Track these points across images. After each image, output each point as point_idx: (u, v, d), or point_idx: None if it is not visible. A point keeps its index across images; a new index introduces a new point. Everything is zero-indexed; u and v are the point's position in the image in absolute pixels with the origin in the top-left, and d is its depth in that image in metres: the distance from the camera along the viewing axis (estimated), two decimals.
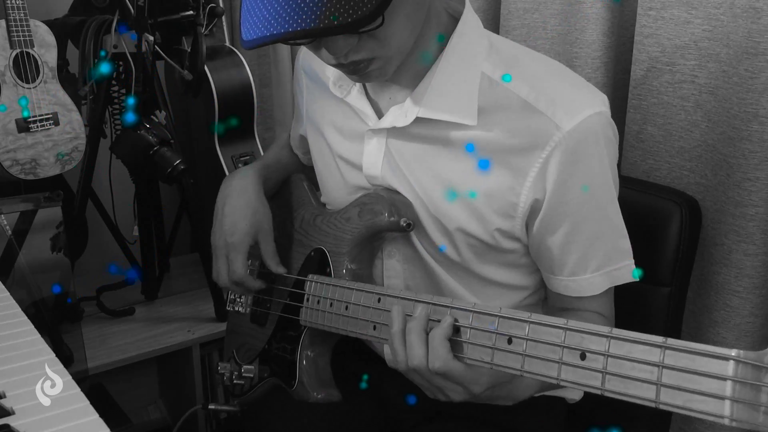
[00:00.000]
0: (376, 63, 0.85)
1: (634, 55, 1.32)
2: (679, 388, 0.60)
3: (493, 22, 1.63)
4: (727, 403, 0.57)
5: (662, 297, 1.14)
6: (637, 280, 0.95)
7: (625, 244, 0.95)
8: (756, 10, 1.11)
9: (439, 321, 0.80)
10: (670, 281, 1.13)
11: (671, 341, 0.61)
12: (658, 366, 0.61)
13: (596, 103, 0.87)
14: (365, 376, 1.02)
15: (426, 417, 1.10)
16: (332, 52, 0.82)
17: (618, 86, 1.44)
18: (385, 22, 0.78)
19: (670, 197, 1.16)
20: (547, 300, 1.04)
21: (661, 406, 0.61)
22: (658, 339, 0.62)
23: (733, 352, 0.57)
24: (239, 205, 1.09)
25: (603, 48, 1.38)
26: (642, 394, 0.63)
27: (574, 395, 1.10)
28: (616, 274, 0.94)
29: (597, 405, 1.08)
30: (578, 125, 0.85)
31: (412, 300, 0.85)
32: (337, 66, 0.87)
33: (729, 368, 0.57)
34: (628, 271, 0.95)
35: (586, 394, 1.10)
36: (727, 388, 0.57)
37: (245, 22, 0.79)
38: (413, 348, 0.80)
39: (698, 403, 0.59)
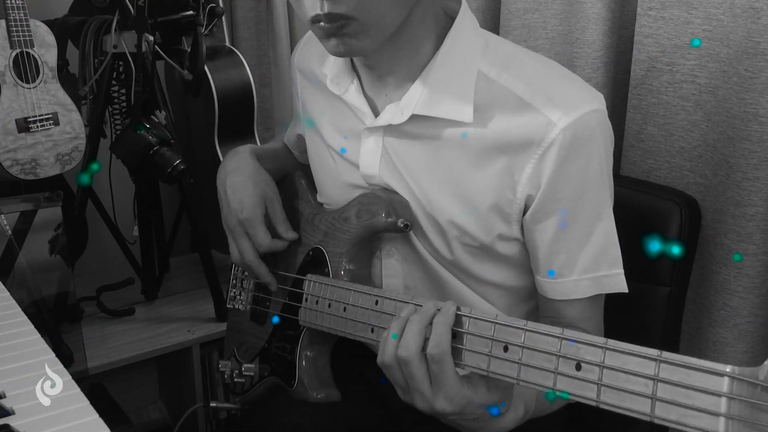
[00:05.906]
0: (353, 26, 0.83)
1: (634, 55, 1.32)
2: (674, 403, 0.58)
3: (493, 22, 1.63)
4: (722, 419, 0.56)
5: (662, 297, 1.14)
6: (626, 292, 0.93)
7: (616, 252, 0.93)
8: (756, 10, 1.11)
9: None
10: (669, 281, 1.13)
11: (666, 354, 0.60)
12: (653, 379, 0.60)
13: (593, 101, 0.87)
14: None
15: (425, 416, 1.09)
16: None
17: (618, 86, 1.44)
18: None
19: (670, 197, 1.16)
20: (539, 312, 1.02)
21: (656, 421, 0.60)
22: (653, 352, 0.60)
23: (728, 368, 0.56)
24: (239, 181, 1.10)
25: (603, 48, 1.38)
26: (637, 407, 0.61)
27: None
28: (604, 281, 0.92)
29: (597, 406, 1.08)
30: (574, 122, 0.85)
31: (410, 303, 0.84)
32: (315, 24, 0.84)
33: (724, 384, 0.56)
34: (617, 281, 0.93)
35: None
36: (722, 404, 0.56)
37: None
38: (408, 335, 0.77)
39: (693, 419, 0.57)
